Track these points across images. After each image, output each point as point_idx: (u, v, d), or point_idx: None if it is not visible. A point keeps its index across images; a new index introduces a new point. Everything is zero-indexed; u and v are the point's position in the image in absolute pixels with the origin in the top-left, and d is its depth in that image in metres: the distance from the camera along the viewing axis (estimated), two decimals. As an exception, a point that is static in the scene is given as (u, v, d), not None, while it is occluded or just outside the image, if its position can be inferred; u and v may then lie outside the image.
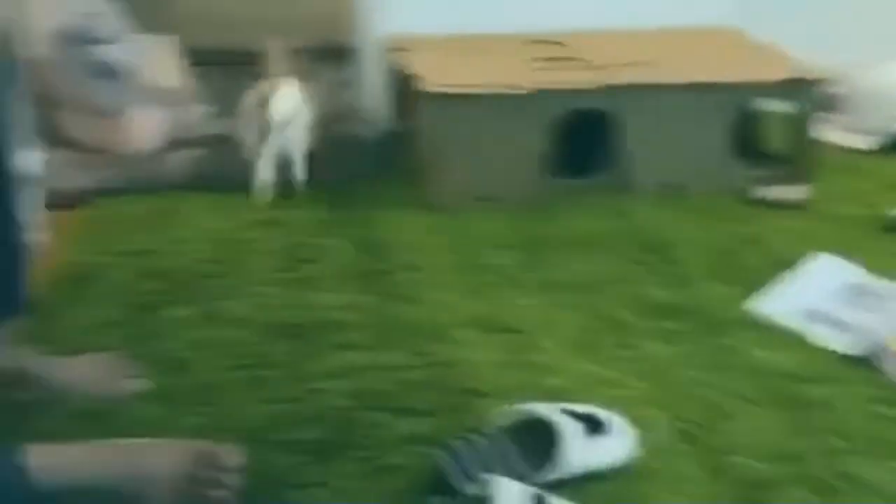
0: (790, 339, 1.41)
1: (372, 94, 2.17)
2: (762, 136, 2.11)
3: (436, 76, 1.81)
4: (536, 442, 1.06)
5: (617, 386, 1.28)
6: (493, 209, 1.81)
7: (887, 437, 1.19)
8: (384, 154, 2.04)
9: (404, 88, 1.99)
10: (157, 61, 2.26)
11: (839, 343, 1.40)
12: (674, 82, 1.84)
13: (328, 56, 2.57)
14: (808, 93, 1.94)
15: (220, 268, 1.58)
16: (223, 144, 2.01)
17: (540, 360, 1.34)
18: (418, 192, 1.89)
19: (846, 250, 1.69)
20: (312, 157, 1.97)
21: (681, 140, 1.89)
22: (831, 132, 2.27)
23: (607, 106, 1.84)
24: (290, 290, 1.51)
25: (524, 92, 1.76)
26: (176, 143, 1.97)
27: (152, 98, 2.02)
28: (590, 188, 1.89)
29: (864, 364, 1.35)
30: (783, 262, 1.64)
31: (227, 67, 2.50)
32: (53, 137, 1.97)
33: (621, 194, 1.88)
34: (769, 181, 1.93)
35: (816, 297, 1.54)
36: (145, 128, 1.94)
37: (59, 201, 1.73)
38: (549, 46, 2.03)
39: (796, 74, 1.91)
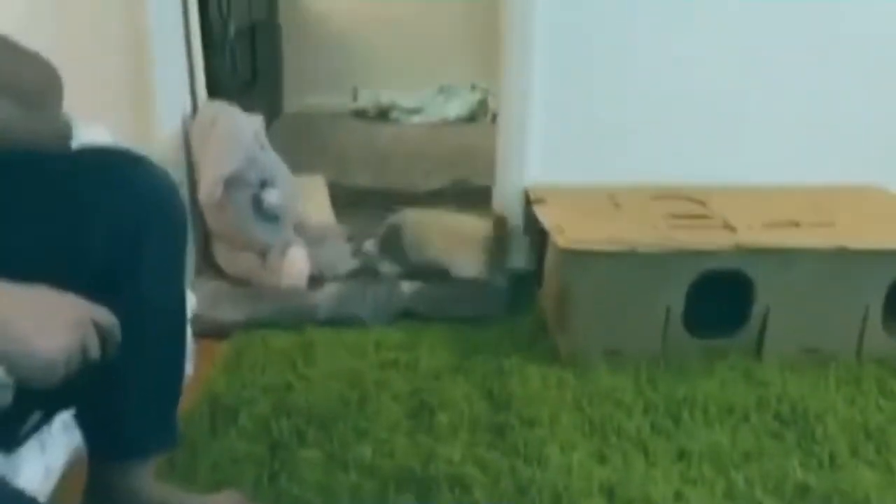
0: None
1: (514, 242, 2.24)
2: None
3: (571, 229, 1.85)
4: None
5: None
6: (622, 366, 1.78)
7: None
8: (515, 299, 2.08)
9: (540, 238, 2.04)
10: (310, 200, 2.47)
11: None
12: (814, 247, 1.79)
13: (464, 196, 2.71)
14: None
15: (349, 409, 1.62)
16: (368, 279, 2.12)
17: (671, 542, 1.28)
18: (546, 342, 1.90)
19: None
20: (446, 294, 2.04)
21: (822, 304, 1.82)
22: None
23: (743, 266, 1.80)
24: (415, 438, 1.52)
25: (658, 250, 1.76)
26: (323, 279, 2.12)
27: (305, 236, 2.19)
28: (723, 349, 1.83)
29: None
30: (941, 447, 1.51)
31: (374, 206, 2.69)
32: (211, 271, 2.16)
33: (756, 358, 1.81)
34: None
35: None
36: (297, 265, 2.10)
37: (209, 332, 1.88)
38: (684, 203, 2.04)
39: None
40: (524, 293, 2.11)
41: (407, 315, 2.02)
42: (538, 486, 1.40)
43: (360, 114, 3.82)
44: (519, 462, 1.47)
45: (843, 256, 1.78)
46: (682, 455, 1.50)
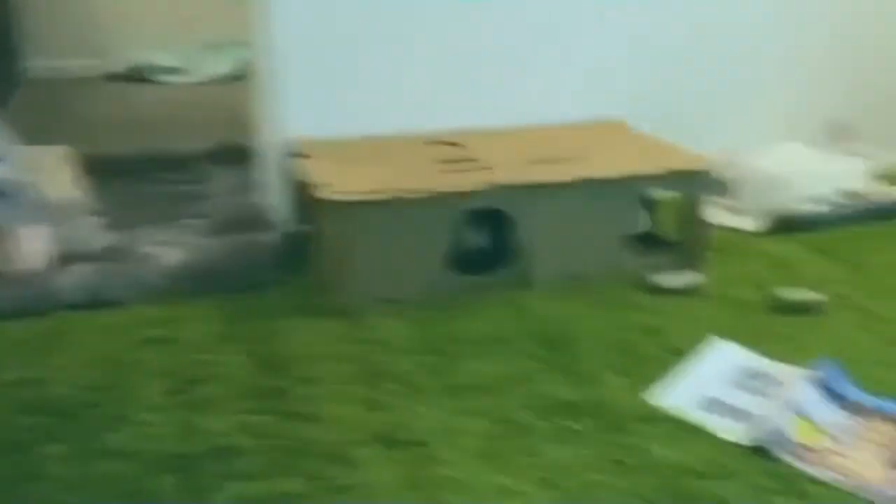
0: (689, 433, 1.42)
1: (275, 198, 2.16)
2: (655, 225, 2.19)
3: (336, 182, 1.81)
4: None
5: (520, 496, 1.26)
6: (397, 312, 1.79)
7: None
8: (286, 260, 2.02)
9: (305, 194, 1.98)
10: (49, 173, 2.21)
11: (737, 433, 1.42)
12: (566, 180, 1.89)
13: (231, 158, 2.57)
14: (695, 180, 2.02)
15: (103, 395, 1.49)
16: (119, 257, 1.95)
17: (443, 475, 1.31)
18: (321, 298, 1.86)
19: (740, 334, 1.74)
20: (212, 266, 1.93)
21: (577, 233, 1.94)
22: (721, 216, 2.38)
23: (505, 205, 1.87)
24: (179, 415, 1.43)
25: (424, 196, 1.78)
26: (67, 259, 1.91)
27: (42, 214, 1.96)
28: (492, 285, 1.90)
29: (760, 453, 1.36)
30: (680, 351, 1.68)
31: (126, 175, 2.47)
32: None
33: (523, 290, 1.90)
34: (664, 268, 1.99)
35: (713, 385, 1.57)
36: (33, 245, 1.88)
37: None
38: (448, 148, 2.07)
39: (683, 164, 2.00)
40: (297, 253, 2.05)
41: (171, 292, 1.88)
42: (311, 443, 1.37)
43: (113, 77, 3.49)
44: (293, 423, 1.43)
45: (593, 186, 1.90)
46: (453, 390, 1.54)
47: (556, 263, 1.93)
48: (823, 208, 2.33)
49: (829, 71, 2.63)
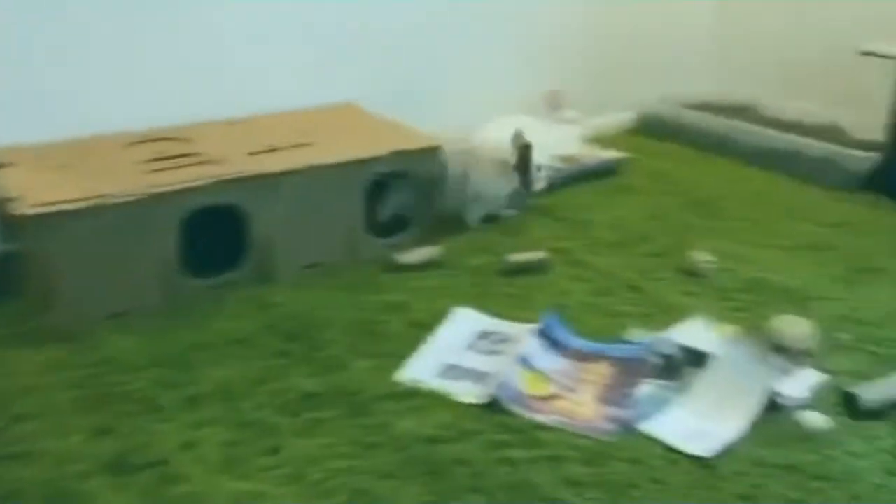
0: (430, 402, 1.48)
1: None
2: (393, 205, 2.24)
3: (35, 193, 1.63)
4: None
5: (264, 498, 1.24)
6: (126, 327, 1.67)
7: (517, 480, 1.29)
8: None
9: (4, 209, 1.77)
10: None
11: (475, 394, 1.50)
12: (296, 167, 1.87)
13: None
14: (427, 159, 2.09)
15: None
16: None
17: (181, 493, 1.25)
18: (37, 323, 1.68)
19: (476, 299, 1.84)
20: None
21: (313, 221, 1.93)
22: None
23: (235, 199, 1.81)
24: None
25: (134, 198, 1.66)
26: None
27: None
28: (231, 284, 1.84)
29: (496, 409, 1.45)
30: (423, 324, 1.74)
31: None
32: None
33: (263, 285, 1.86)
34: (404, 246, 2.04)
35: (451, 352, 1.65)
36: None
37: None
38: (165, 143, 1.96)
39: (414, 143, 2.06)
40: (5, 276, 1.83)
41: None
42: (30, 484, 1.24)
43: None
44: (7, 465, 1.29)
45: (320, 172, 1.89)
46: (193, 401, 1.47)
47: (296, 253, 1.91)
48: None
49: (544, 46, 2.84)
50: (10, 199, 1.64)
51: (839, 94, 2.83)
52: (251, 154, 1.92)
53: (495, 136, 2.53)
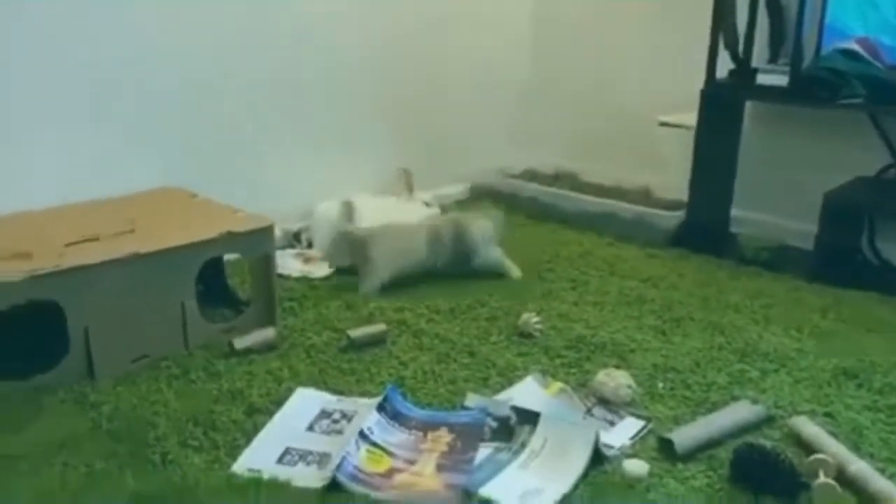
0: (271, 490, 1.44)
1: None
2: (226, 287, 2.21)
3: None
4: None
5: None
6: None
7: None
8: None
9: None
10: None
11: (315, 477, 1.48)
12: (116, 257, 1.80)
13: None
14: (258, 239, 2.07)
15: None
16: None
17: None
18: None
19: (317, 378, 1.83)
20: None
21: (139, 311, 1.85)
22: (294, 267, 2.49)
23: (48, 295, 1.71)
24: None
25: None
26: None
27: None
28: (50, 385, 1.72)
29: (338, 490, 1.44)
30: (263, 409, 1.70)
31: None
32: None
33: (86, 383, 1.75)
34: (239, 329, 2.00)
35: (292, 435, 1.62)
36: None
37: None
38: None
39: (244, 225, 2.04)
40: None
41: None
42: None
43: None
44: None
45: (145, 261, 1.83)
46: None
47: (121, 347, 1.82)
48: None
49: (391, 127, 2.95)
50: None
51: (646, 160, 3.13)
52: (68, 245, 1.83)
53: (332, 211, 2.58)
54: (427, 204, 2.81)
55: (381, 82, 2.92)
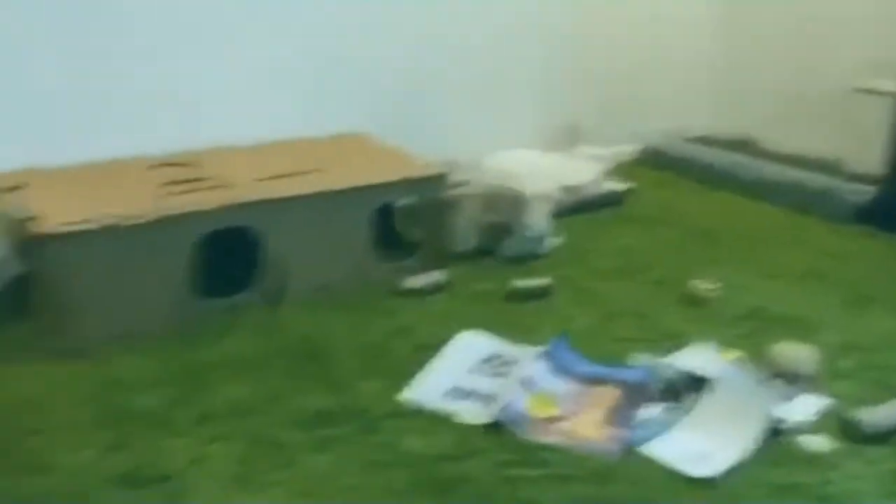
0: (437, 422, 1.51)
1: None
2: (400, 230, 2.29)
3: (55, 214, 1.68)
4: None
5: (275, 513, 1.26)
6: (139, 346, 1.71)
7: (523, 498, 1.31)
8: (9, 303, 1.83)
9: (20, 230, 1.81)
10: None
11: (478, 415, 1.52)
12: (308, 192, 1.91)
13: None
14: (433, 186, 2.14)
15: None
16: None
17: (194, 506, 1.27)
18: (51, 341, 1.72)
19: (482, 324, 1.87)
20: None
21: (325, 245, 1.97)
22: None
23: (247, 222, 1.85)
24: None
25: (148, 220, 1.70)
26: None
27: None
28: (242, 305, 1.88)
29: (501, 430, 1.48)
30: (430, 347, 1.77)
31: None
32: None
33: (274, 307, 1.89)
34: (411, 271, 2.08)
35: (458, 374, 1.67)
36: None
37: None
38: (181, 168, 2.01)
39: (420, 171, 2.11)
40: (20, 295, 1.86)
41: None
42: (45, 496, 1.27)
43: None
44: (23, 478, 1.31)
45: (332, 198, 1.94)
46: (205, 418, 1.50)
47: (305, 277, 1.95)
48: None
49: (559, 77, 2.91)
50: (26, 220, 1.68)
51: (837, 129, 2.89)
52: (264, 179, 1.96)
53: (496, 164, 2.58)
54: (594, 159, 2.75)
55: (558, 36, 2.87)
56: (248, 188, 1.89)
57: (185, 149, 2.11)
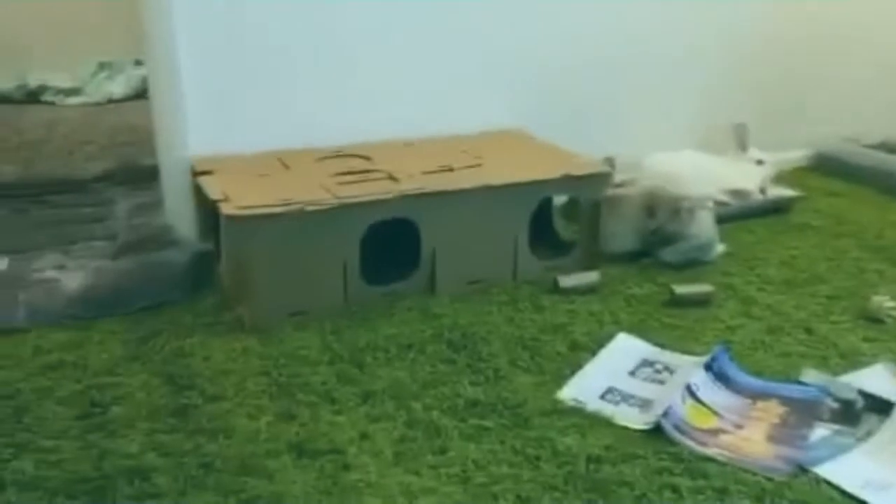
0: (594, 422, 1.49)
1: (180, 217, 2.14)
2: (555, 228, 2.28)
3: (238, 197, 1.81)
4: None
5: (433, 494, 1.30)
6: (307, 324, 1.81)
7: (681, 507, 1.28)
8: (195, 277, 2.00)
9: (209, 211, 1.97)
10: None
11: (636, 419, 1.50)
12: (467, 187, 1.95)
13: (133, 179, 2.53)
14: (591, 184, 2.12)
15: (5, 424, 1.44)
16: (15, 285, 1.89)
17: (359, 480, 1.33)
18: (230, 315, 1.86)
19: (638, 327, 1.84)
20: (119, 285, 1.90)
21: (481, 239, 2.00)
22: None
23: (410, 214, 1.91)
24: (85, 440, 1.41)
25: (326, 207, 1.80)
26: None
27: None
28: (400, 293, 1.94)
29: (658, 436, 1.45)
30: (585, 346, 1.76)
31: (19, 200, 2.39)
32: None
33: (430, 296, 1.95)
34: (565, 269, 2.07)
35: (615, 376, 1.65)
36: None
37: None
38: (350, 160, 2.11)
39: (579, 168, 2.09)
40: (204, 271, 2.03)
41: (74, 316, 1.83)
42: (223, 457, 1.37)
43: (4, 98, 3.37)
44: (203, 439, 1.43)
45: (492, 193, 1.97)
46: (366, 397, 1.57)
47: (461, 269, 1.99)
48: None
49: (724, 77, 2.80)
50: (216, 201, 1.83)
51: None
52: (426, 173, 2.02)
53: (657, 165, 2.51)
54: (760, 162, 2.62)
55: (730, 36, 2.76)
56: (414, 181, 1.95)
57: (356, 141, 2.21)
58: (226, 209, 1.77)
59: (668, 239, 2.16)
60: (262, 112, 2.17)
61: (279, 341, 1.75)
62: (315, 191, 1.87)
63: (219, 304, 1.92)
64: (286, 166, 2.06)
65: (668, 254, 2.17)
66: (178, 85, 2.04)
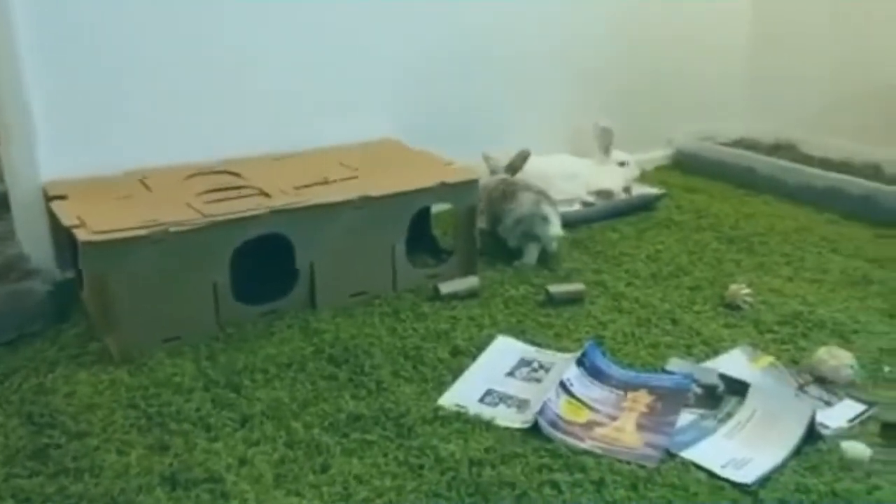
0: (475, 426, 1.51)
1: (36, 245, 2.01)
2: (432, 236, 2.31)
3: (96, 221, 1.72)
4: None
5: (315, 515, 1.28)
6: (181, 351, 1.74)
7: (559, 501, 1.31)
8: (56, 308, 1.88)
9: (65, 237, 1.86)
10: None
11: (516, 419, 1.53)
12: (341, 200, 1.94)
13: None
14: (466, 191, 2.15)
15: None
16: None
17: (236, 507, 1.29)
18: (95, 346, 1.76)
19: (516, 329, 1.88)
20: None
21: (359, 251, 1.99)
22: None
23: (283, 229, 1.88)
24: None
25: (192, 227, 1.74)
26: None
27: None
28: (278, 311, 1.91)
29: (537, 434, 1.48)
30: (466, 351, 1.78)
31: None
32: None
33: (312, 312, 1.92)
34: (444, 276, 2.09)
35: (494, 379, 1.68)
36: None
37: None
38: (219, 177, 2.05)
39: (453, 176, 2.12)
40: (65, 301, 1.92)
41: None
42: (89, 498, 1.30)
43: None
44: (68, 480, 1.35)
45: (369, 205, 1.96)
46: (244, 421, 1.52)
47: (342, 282, 1.97)
48: (575, 207, 2.58)
49: (592, 82, 2.91)
50: (72, 227, 1.73)
51: (878, 131, 2.85)
52: (299, 187, 1.99)
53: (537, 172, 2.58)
54: (622, 164, 2.74)
55: (588, 39, 2.87)
56: (285, 196, 1.92)
57: (224, 157, 2.15)
58: (82, 235, 1.68)
59: (498, 218, 2.27)
60: (121, 131, 2.09)
61: (150, 370, 1.68)
62: (181, 210, 1.81)
63: (84, 335, 1.82)
64: (148, 187, 1.97)
65: (503, 233, 2.27)
66: (25, 106, 1.92)
